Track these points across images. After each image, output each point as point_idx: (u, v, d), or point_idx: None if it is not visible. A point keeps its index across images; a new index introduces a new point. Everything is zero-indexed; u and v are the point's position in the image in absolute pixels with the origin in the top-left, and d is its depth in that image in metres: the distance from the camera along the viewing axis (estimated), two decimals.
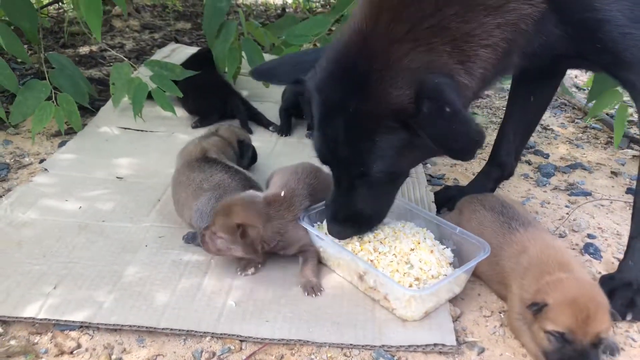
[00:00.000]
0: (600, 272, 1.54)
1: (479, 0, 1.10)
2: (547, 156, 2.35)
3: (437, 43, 1.09)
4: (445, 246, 1.46)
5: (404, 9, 1.10)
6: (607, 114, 2.77)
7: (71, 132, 2.34)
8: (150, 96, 2.33)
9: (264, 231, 1.41)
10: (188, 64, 2.58)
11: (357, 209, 1.33)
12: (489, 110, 2.92)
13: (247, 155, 1.98)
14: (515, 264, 1.34)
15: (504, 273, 1.37)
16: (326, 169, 1.35)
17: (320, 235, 1.47)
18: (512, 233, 1.40)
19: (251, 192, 1.52)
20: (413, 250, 1.41)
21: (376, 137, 1.15)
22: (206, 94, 2.50)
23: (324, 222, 1.55)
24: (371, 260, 1.39)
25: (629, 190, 2.05)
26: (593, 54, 1.26)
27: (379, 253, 1.40)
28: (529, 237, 1.38)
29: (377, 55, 1.10)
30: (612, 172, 2.21)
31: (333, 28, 2.51)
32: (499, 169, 1.81)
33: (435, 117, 1.06)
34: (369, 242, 1.45)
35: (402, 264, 1.37)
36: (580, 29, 1.21)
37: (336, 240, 1.46)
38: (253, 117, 2.51)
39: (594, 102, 2.28)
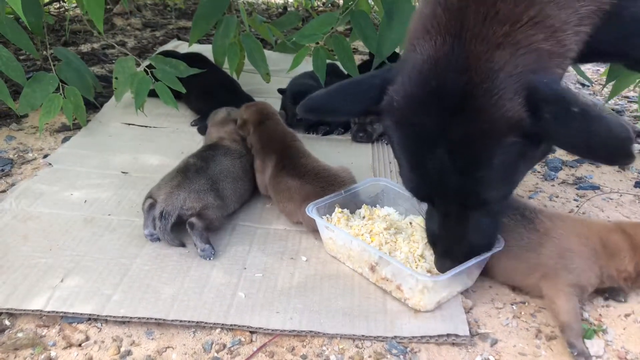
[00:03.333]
0: None
1: None
2: (553, 150, 2.34)
3: (537, 39, 0.97)
4: None
5: (498, 3, 0.96)
6: (612, 110, 2.76)
7: (74, 127, 2.33)
8: (153, 93, 2.30)
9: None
10: (192, 62, 2.55)
11: (473, 242, 1.20)
12: None
13: None
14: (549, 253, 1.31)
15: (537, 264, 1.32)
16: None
17: (329, 226, 1.46)
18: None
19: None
20: (427, 243, 1.38)
21: (495, 158, 1.00)
22: (209, 95, 2.46)
23: (333, 215, 1.55)
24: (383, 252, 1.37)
25: (637, 184, 2.04)
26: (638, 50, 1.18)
27: (392, 243, 1.39)
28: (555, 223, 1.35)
29: (477, 66, 0.96)
30: (620, 166, 2.19)
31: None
32: None
33: (565, 120, 0.93)
34: (380, 234, 1.43)
35: (415, 256, 1.36)
36: (637, 22, 1.13)
37: (346, 231, 1.45)
38: None
39: (611, 83, 2.29)
